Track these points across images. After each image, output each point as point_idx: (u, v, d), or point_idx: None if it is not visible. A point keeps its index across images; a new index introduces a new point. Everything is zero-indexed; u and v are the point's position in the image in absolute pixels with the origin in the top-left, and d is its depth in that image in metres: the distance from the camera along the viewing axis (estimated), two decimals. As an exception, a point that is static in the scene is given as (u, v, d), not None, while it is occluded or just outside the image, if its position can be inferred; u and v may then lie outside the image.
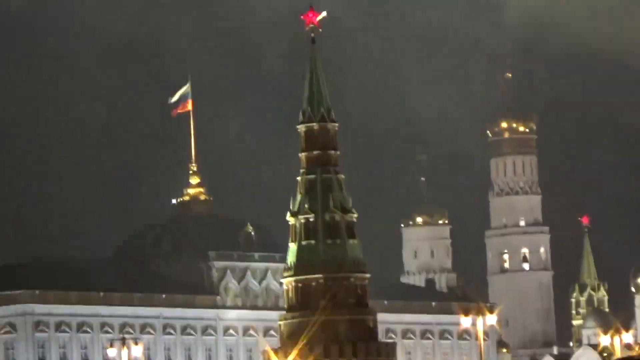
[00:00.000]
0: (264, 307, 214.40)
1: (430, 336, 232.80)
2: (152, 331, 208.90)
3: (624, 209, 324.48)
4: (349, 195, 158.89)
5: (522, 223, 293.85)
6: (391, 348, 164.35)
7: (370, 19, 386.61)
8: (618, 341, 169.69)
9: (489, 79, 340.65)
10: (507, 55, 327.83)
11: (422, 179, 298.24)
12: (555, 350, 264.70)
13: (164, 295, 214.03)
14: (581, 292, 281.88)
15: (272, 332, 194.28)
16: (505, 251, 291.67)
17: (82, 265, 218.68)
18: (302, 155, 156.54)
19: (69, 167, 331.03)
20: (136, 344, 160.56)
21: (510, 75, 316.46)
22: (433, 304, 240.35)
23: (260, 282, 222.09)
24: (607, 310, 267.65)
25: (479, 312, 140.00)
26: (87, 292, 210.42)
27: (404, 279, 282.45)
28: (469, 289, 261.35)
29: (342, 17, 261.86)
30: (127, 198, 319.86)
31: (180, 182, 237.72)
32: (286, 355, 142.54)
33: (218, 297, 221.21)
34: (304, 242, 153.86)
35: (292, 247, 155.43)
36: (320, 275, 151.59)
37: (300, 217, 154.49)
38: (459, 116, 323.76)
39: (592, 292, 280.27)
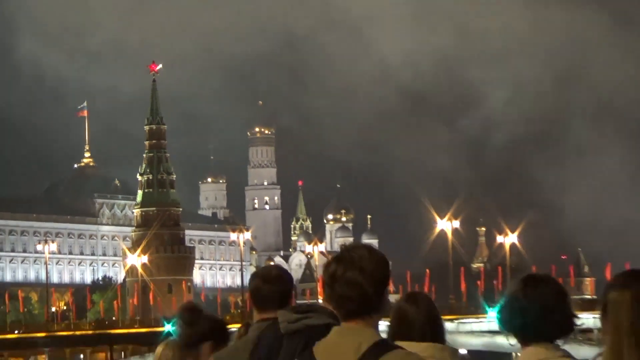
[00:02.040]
0: (124, 225, 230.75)
1: (213, 243, 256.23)
2: (61, 236, 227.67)
3: (334, 177, 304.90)
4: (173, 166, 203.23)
5: (265, 183, 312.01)
6: (191, 249, 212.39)
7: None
8: (317, 249, 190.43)
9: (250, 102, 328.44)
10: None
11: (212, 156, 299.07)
12: (282, 253, 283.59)
13: (68, 217, 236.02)
14: (297, 221, 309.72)
15: (127, 239, 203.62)
16: (256, 198, 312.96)
17: (22, 197, 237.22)
18: (147, 143, 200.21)
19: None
20: (53, 242, 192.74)
21: (261, 102, 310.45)
22: (215, 226, 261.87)
23: (122, 211, 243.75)
24: (310, 232, 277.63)
25: (241, 231, 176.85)
26: (26, 213, 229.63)
27: (200, 212, 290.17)
28: (236, 218, 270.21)
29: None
30: (48, 158, 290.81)
31: (79, 155, 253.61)
32: (136, 248, 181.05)
33: (97, 219, 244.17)
34: (146, 190, 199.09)
35: (140, 192, 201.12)
36: (154, 208, 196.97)
37: (145, 176, 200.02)
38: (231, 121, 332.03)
39: (302, 222, 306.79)
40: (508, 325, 6.46)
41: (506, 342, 6.71)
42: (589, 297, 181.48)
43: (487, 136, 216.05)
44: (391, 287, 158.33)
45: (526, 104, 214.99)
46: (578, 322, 6.44)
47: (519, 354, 6.60)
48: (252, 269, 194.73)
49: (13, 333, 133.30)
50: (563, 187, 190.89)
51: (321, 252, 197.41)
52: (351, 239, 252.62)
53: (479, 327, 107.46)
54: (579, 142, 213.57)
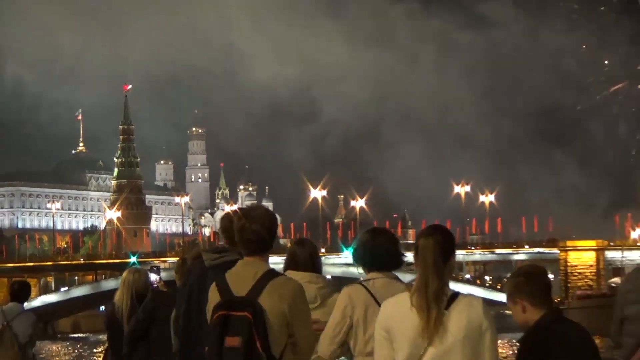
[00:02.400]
0: (105, 191, 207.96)
1: (164, 204, 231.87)
2: (64, 198, 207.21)
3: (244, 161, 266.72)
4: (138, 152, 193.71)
5: (199, 164, 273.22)
6: (149, 208, 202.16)
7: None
8: (232, 208, 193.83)
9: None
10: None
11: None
12: (209, 210, 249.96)
13: (68, 185, 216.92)
14: (219, 190, 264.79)
15: (107, 200, 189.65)
16: (192, 174, 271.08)
17: (38, 171, 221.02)
18: (121, 137, 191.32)
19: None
20: (58, 202, 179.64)
21: (197, 111, 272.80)
22: (166, 192, 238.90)
23: (104, 182, 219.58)
24: (228, 197, 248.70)
25: (182, 196, 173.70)
26: (41, 182, 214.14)
27: (156, 183, 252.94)
28: (179, 187, 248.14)
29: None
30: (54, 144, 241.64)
31: (76, 143, 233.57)
32: (113, 207, 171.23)
33: (88, 187, 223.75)
34: (120, 168, 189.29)
35: (116, 170, 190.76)
36: (125, 180, 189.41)
37: (119, 159, 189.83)
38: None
39: (223, 190, 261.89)
40: (360, 260, 6.54)
41: (356, 271, 6.80)
42: (412, 242, 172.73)
43: (330, 135, 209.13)
44: (281, 233, 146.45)
45: (354, 113, 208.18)
46: (405, 259, 6.46)
47: (362, 278, 6.52)
48: (190, 221, 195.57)
49: (30, 262, 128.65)
50: (385, 168, 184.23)
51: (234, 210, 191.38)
52: (255, 202, 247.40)
53: (339, 261, 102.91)
54: (392, 137, 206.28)
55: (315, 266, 7.36)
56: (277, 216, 6.40)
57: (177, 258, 12.14)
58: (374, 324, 5.57)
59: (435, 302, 5.19)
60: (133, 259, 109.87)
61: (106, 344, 9.75)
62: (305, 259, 7.32)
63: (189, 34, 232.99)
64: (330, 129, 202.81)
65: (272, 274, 5.78)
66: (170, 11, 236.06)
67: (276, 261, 8.86)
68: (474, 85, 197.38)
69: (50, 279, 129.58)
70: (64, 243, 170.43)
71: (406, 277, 5.61)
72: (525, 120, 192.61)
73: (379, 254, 6.30)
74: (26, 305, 12.10)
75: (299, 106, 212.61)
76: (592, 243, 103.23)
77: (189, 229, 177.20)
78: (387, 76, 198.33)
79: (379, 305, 5.68)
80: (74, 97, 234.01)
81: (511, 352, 34.60)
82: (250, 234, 5.86)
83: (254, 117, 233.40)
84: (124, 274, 9.58)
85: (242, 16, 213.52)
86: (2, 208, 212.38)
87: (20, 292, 12.00)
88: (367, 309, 6.01)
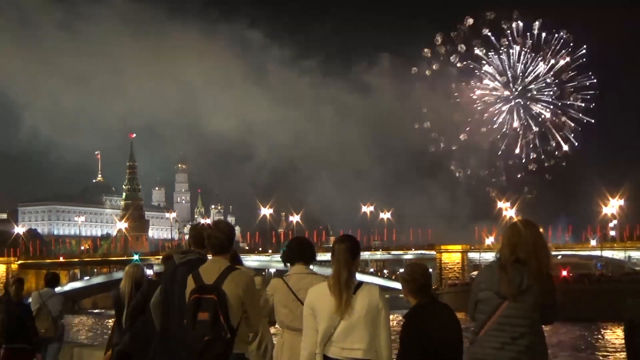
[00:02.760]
0: (116, 208, 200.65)
1: (158, 218, 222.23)
2: (87, 214, 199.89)
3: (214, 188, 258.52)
4: (140, 181, 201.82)
5: (182, 190, 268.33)
6: (147, 221, 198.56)
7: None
8: (206, 221, 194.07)
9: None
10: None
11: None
12: (190, 223, 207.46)
13: (90, 204, 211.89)
14: (197, 208, 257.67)
15: (117, 215, 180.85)
16: (178, 197, 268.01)
17: (69, 194, 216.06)
18: (128, 171, 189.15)
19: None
20: (82, 216, 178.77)
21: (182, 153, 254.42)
22: (159, 210, 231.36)
23: (115, 202, 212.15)
24: (203, 213, 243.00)
25: (170, 212, 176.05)
26: (71, 201, 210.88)
27: (152, 203, 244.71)
28: (168, 206, 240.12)
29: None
30: (81, 175, 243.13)
31: (96, 175, 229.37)
32: (122, 220, 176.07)
33: (104, 206, 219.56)
34: (127, 193, 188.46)
35: (124, 194, 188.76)
36: (130, 201, 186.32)
37: (126, 186, 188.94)
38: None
39: (199, 209, 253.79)
40: (288, 256, 6.36)
41: (282, 265, 6.58)
42: (329, 245, 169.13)
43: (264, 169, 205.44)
44: (240, 239, 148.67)
45: (279, 154, 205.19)
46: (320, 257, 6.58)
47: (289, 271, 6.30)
48: (176, 230, 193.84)
49: (62, 259, 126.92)
50: (309, 193, 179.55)
51: (207, 224, 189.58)
52: (222, 217, 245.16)
53: (277, 260, 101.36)
54: (309, 171, 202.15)
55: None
56: (238, 227, 6.14)
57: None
58: (289, 304, 5.90)
59: (345, 288, 5.27)
60: (136, 257, 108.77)
61: (114, 318, 9.67)
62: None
63: (168, 95, 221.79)
64: (263, 165, 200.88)
65: (231, 268, 5.80)
66: (153, 78, 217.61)
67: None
68: (362, 133, 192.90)
69: (77, 271, 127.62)
70: (86, 245, 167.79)
71: (327, 271, 5.51)
72: (405, 159, 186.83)
73: (302, 253, 6.26)
74: (58, 289, 12.13)
75: (239, 148, 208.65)
76: (458, 247, 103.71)
77: (175, 236, 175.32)
78: (300, 127, 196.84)
79: (293, 292, 5.90)
80: (89, 141, 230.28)
81: (396, 323, 34.29)
82: (215, 239, 5.90)
83: (212, 156, 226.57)
84: (127, 267, 9.42)
85: (200, 83, 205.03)
86: (42, 220, 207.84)
87: (52, 280, 12.23)
88: (279, 293, 6.04)
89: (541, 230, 4.97)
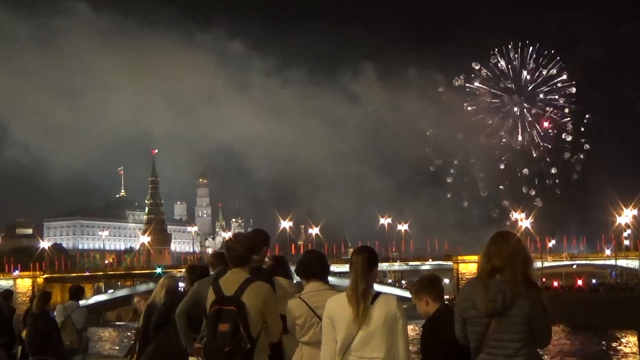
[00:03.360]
0: (139, 222, 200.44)
1: (179, 232, 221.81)
2: (111, 228, 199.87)
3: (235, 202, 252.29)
4: (162, 196, 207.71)
5: (204, 204, 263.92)
6: (170, 234, 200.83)
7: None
8: (227, 234, 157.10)
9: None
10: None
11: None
12: (212, 236, 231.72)
13: (114, 219, 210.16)
14: (219, 222, 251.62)
15: (140, 229, 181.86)
16: (199, 211, 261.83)
17: (92, 209, 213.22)
18: (150, 186, 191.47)
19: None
20: (106, 230, 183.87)
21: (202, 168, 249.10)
22: (181, 224, 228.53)
23: (138, 217, 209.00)
24: (224, 226, 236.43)
25: (192, 226, 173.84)
26: (95, 217, 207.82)
27: (175, 217, 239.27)
28: (190, 220, 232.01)
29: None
30: (105, 190, 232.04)
31: (119, 190, 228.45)
32: (145, 233, 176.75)
33: (127, 220, 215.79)
34: (149, 207, 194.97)
35: (147, 208, 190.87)
36: (153, 215, 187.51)
37: (149, 201, 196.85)
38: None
39: (220, 222, 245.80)
40: (302, 273, 5.99)
41: (298, 279, 6.27)
42: (348, 257, 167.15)
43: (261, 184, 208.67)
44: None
45: (276, 170, 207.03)
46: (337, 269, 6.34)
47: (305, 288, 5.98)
48: (198, 244, 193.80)
49: (87, 272, 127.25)
50: (323, 206, 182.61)
51: (229, 237, 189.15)
52: (243, 230, 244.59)
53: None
54: (316, 183, 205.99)
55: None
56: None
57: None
58: (308, 323, 5.71)
59: (362, 298, 5.27)
60: (159, 270, 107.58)
61: (137, 326, 9.66)
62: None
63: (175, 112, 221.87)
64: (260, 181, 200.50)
65: (250, 280, 5.80)
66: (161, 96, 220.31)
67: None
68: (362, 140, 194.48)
69: (101, 284, 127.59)
70: (110, 259, 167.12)
71: (346, 282, 5.45)
72: (409, 169, 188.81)
73: (313, 268, 5.98)
74: (83, 302, 12.14)
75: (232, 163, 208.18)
76: (475, 257, 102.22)
77: (197, 249, 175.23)
78: (293, 139, 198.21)
79: (311, 309, 5.70)
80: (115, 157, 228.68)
81: (415, 333, 34.09)
82: (234, 252, 5.92)
83: (221, 173, 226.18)
84: (162, 279, 9.25)
85: (202, 104, 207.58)
86: (67, 235, 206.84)
87: (76, 293, 12.28)
88: (302, 315, 5.79)
89: (522, 243, 4.73)
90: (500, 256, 4.65)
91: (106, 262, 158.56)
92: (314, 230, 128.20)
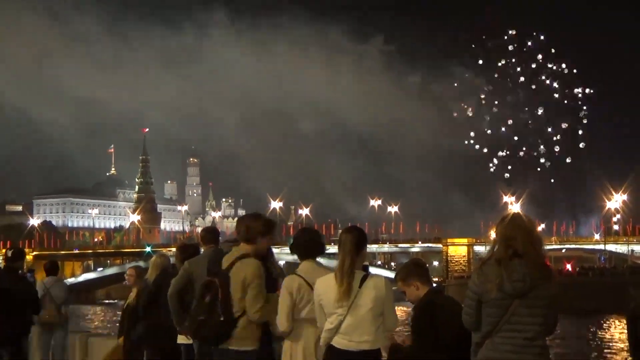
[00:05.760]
0: (129, 201, 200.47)
1: (169, 211, 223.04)
2: (100, 206, 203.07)
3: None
4: (152, 175, 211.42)
5: (194, 184, 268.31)
6: (159, 213, 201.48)
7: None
8: (217, 214, 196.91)
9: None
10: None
11: None
12: (202, 216, 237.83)
13: (104, 197, 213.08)
14: (208, 202, 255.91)
15: (130, 208, 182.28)
16: (189, 190, 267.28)
17: (83, 188, 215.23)
18: (140, 164, 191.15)
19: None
20: (96, 208, 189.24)
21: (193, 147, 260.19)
22: (170, 203, 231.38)
23: (128, 195, 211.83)
24: (215, 206, 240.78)
25: (182, 205, 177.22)
26: (85, 195, 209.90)
27: (165, 196, 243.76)
28: (180, 199, 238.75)
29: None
30: (95, 169, 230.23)
31: (109, 169, 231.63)
32: (134, 212, 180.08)
33: (117, 198, 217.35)
34: (139, 186, 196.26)
35: (137, 187, 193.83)
36: (143, 194, 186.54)
37: (139, 179, 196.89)
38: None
39: (210, 202, 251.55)
40: (295, 251, 5.80)
41: (291, 258, 6.17)
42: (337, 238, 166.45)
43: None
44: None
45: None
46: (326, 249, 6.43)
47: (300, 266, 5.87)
48: (187, 223, 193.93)
49: (77, 250, 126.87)
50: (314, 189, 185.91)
51: (219, 217, 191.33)
52: (233, 211, 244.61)
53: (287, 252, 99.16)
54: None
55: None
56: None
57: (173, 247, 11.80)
58: (305, 298, 5.60)
59: (347, 276, 5.30)
60: (148, 249, 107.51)
61: (124, 305, 9.55)
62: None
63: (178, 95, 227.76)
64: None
65: (243, 256, 5.85)
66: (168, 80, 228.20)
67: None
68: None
69: (91, 262, 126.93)
70: (100, 237, 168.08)
71: (332, 264, 5.50)
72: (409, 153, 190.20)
73: (308, 246, 5.86)
74: (72, 280, 11.91)
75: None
76: (464, 240, 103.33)
77: (187, 228, 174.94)
78: None
79: (309, 284, 5.60)
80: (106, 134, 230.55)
81: (404, 314, 34.34)
82: (241, 228, 6.01)
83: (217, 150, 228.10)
84: (154, 258, 9.16)
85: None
86: (57, 212, 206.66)
87: (51, 269, 12.01)
88: (301, 289, 5.67)
89: (534, 224, 4.62)
90: (522, 240, 4.49)
91: (96, 240, 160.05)
92: (305, 211, 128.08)
